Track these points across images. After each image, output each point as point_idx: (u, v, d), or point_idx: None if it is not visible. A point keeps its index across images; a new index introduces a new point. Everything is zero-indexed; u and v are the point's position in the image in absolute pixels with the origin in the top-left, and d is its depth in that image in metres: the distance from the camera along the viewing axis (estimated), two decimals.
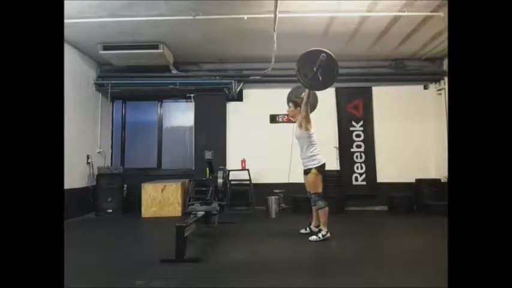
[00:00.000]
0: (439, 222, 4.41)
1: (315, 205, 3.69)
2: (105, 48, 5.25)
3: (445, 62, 6.10)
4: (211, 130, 6.17)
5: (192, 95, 6.24)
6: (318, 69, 3.23)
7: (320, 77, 3.27)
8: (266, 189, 5.66)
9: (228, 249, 3.32)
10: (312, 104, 3.86)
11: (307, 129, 3.65)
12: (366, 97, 6.25)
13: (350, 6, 4.20)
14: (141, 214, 5.34)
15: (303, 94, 3.81)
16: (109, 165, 6.32)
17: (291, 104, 3.89)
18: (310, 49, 3.36)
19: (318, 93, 3.87)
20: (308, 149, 3.67)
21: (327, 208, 3.59)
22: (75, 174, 5.38)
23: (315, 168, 3.61)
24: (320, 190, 3.63)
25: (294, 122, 3.89)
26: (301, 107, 3.63)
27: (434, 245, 3.36)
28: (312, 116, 3.73)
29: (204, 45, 5.50)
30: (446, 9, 4.14)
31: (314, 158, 3.64)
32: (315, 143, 3.68)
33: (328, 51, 3.28)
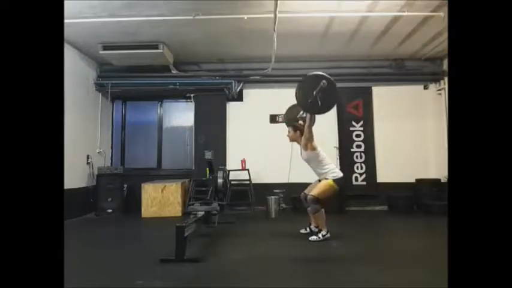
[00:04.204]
0: (439, 222, 4.41)
1: (309, 207, 3.61)
2: (105, 48, 5.25)
3: (445, 62, 6.09)
4: (211, 130, 6.17)
5: (192, 95, 6.24)
6: (317, 94, 3.25)
7: (319, 102, 3.28)
8: (266, 189, 5.66)
9: (228, 249, 3.32)
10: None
11: (313, 149, 3.61)
12: (366, 97, 6.25)
13: (350, 6, 4.20)
14: (141, 214, 5.35)
15: (300, 113, 3.82)
16: (109, 165, 6.32)
17: (290, 129, 3.84)
18: (313, 73, 3.37)
19: None
20: (322, 166, 3.62)
21: (322, 210, 3.55)
22: (75, 174, 5.38)
23: (334, 179, 3.54)
24: (320, 197, 3.53)
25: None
26: (305, 130, 3.55)
27: (434, 245, 3.36)
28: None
29: (204, 45, 5.50)
30: (446, 9, 4.14)
31: (333, 171, 3.60)
32: (326, 158, 3.66)
33: (329, 77, 3.29)
